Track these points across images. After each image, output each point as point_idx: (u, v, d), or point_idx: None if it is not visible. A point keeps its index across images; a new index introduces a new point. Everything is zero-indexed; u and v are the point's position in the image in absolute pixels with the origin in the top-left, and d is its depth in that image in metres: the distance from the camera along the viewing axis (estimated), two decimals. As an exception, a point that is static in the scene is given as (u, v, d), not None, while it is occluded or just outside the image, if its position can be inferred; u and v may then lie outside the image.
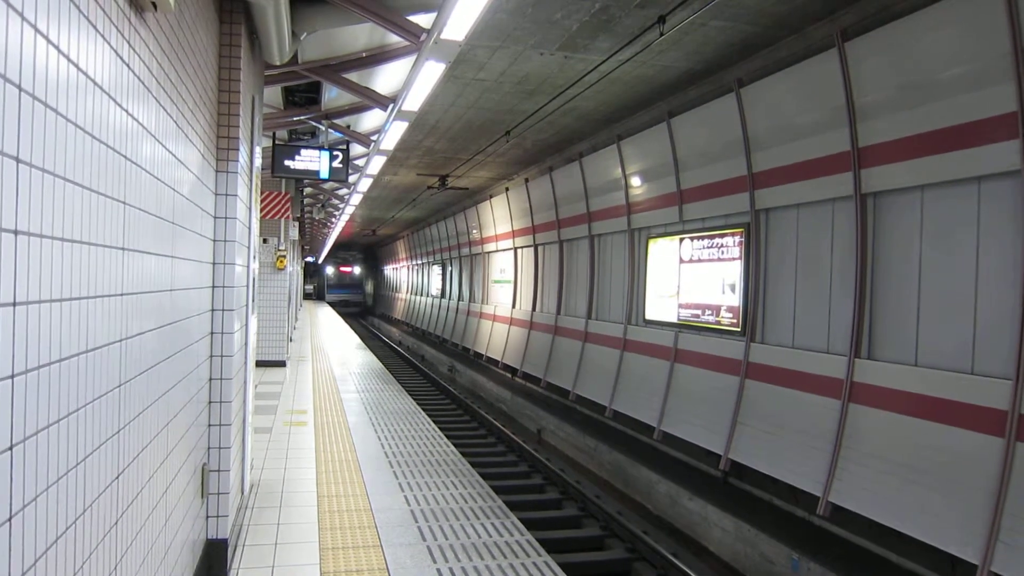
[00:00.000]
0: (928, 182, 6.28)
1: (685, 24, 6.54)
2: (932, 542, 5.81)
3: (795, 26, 7.19)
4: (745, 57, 8.12)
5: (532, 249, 16.96)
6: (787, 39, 7.50)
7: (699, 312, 9.89)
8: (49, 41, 1.52)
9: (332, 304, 49.40)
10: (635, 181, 11.63)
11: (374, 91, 7.63)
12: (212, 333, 3.98)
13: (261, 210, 8.43)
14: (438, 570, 4.18)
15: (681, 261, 10.36)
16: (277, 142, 9.25)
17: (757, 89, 8.20)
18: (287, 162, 8.61)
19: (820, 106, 7.35)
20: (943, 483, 5.87)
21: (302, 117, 8.76)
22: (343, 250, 57.33)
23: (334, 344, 18.31)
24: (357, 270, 56.94)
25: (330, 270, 55.97)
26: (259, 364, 11.84)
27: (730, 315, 9.18)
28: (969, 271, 5.92)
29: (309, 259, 47.85)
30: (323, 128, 8.97)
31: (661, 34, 6.60)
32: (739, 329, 8.93)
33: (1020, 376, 5.35)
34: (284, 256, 12.99)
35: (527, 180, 16.37)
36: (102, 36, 1.89)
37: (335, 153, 8.76)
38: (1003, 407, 5.46)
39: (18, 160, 1.37)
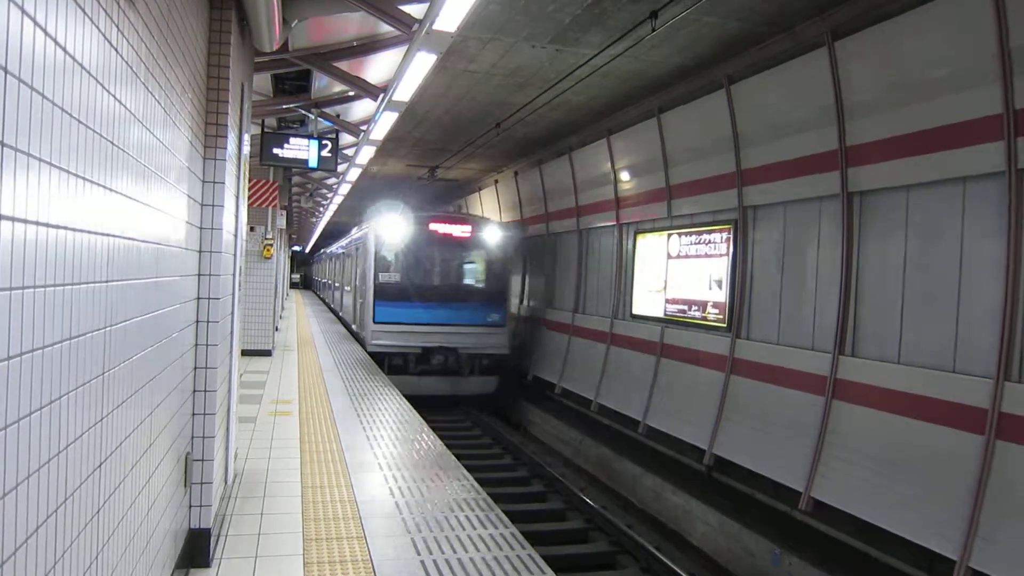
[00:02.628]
0: (914, 182, 6.33)
1: (677, 20, 6.54)
2: (911, 538, 5.88)
3: (786, 24, 7.21)
4: (735, 54, 8.13)
5: (521, 242, 16.59)
6: (777, 37, 7.52)
7: (686, 308, 9.93)
8: (36, 23, 1.50)
9: (401, 377, 13.10)
10: (624, 176, 11.65)
11: (365, 80, 7.58)
12: (197, 322, 3.95)
13: (249, 198, 8.37)
14: (422, 562, 4.18)
15: (669, 256, 10.39)
16: (266, 130, 9.18)
17: (747, 86, 8.22)
18: (276, 150, 8.56)
19: (809, 104, 7.38)
20: (923, 480, 5.94)
21: (291, 105, 8.70)
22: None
23: (320, 334, 18.24)
24: (495, 235, 14.98)
25: (393, 233, 14.65)
26: (244, 353, 11.76)
27: (716, 311, 9.23)
28: (952, 271, 5.98)
29: (296, 248, 45.72)
30: (312, 117, 8.90)
31: (653, 29, 6.60)
32: (725, 325, 8.98)
33: (1000, 375, 5.42)
34: (271, 245, 12.91)
35: (516, 173, 16.35)
36: (90, 19, 1.87)
37: (324, 142, 8.71)
38: (984, 405, 5.52)
39: (3, 144, 1.35)
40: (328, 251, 33.47)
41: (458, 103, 10.98)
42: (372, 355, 13.56)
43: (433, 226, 14.69)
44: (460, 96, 10.57)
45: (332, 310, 26.66)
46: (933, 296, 6.18)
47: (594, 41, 7.84)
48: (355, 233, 19.24)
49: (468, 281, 15.23)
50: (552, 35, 7.79)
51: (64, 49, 1.69)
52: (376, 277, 14.40)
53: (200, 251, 3.95)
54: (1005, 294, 5.45)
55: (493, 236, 14.84)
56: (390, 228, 14.60)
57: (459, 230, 14.82)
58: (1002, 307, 5.46)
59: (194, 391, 3.96)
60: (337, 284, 25.31)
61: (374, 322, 14.05)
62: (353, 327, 17.25)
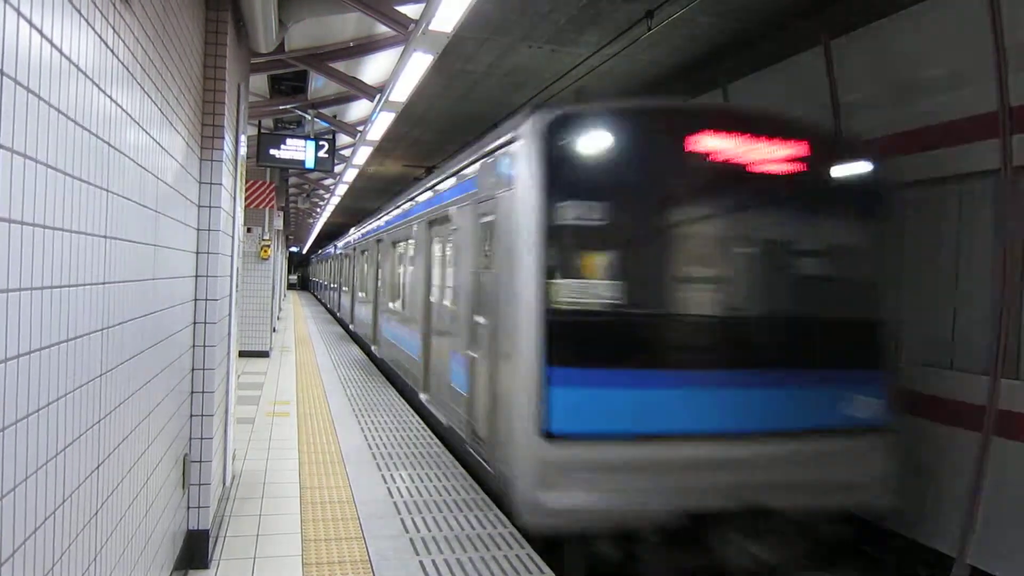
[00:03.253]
0: (910, 179, 6.33)
1: (673, 20, 6.55)
2: None
3: (782, 23, 7.22)
4: (732, 53, 8.15)
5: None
6: (774, 36, 7.53)
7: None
8: (32, 25, 1.50)
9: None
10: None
11: (361, 81, 7.59)
12: (195, 323, 3.95)
13: (246, 199, 8.38)
14: (420, 562, 4.19)
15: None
16: (263, 131, 9.19)
17: (744, 86, 8.23)
18: (272, 151, 8.56)
19: (805, 103, 7.39)
20: None
21: (288, 106, 8.70)
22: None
23: (317, 335, 18.24)
24: (864, 171, 5.17)
25: (595, 154, 4.69)
26: (242, 354, 11.77)
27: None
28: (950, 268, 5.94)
29: (293, 248, 45.41)
30: (309, 117, 8.91)
31: (649, 29, 6.61)
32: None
33: None
34: (268, 245, 12.91)
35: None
36: (86, 21, 1.87)
37: (321, 143, 8.71)
38: None
39: (-1, 146, 1.36)
40: (347, 242, 20.75)
41: (455, 103, 10.99)
42: (524, 530, 4.67)
43: (701, 141, 4.88)
44: (457, 96, 10.57)
45: (356, 339, 16.75)
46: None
47: (590, 41, 7.85)
48: (444, 174, 7.70)
49: (804, 304, 5.30)
50: (548, 35, 7.80)
51: (60, 51, 1.69)
52: (546, 295, 4.64)
53: (197, 252, 3.95)
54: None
55: (862, 174, 5.49)
56: (588, 142, 4.81)
57: (774, 153, 5.03)
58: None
59: (192, 392, 3.96)
60: (363, 298, 15.20)
61: (545, 436, 4.50)
62: (428, 408, 7.91)
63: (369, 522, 4.79)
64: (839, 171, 5.43)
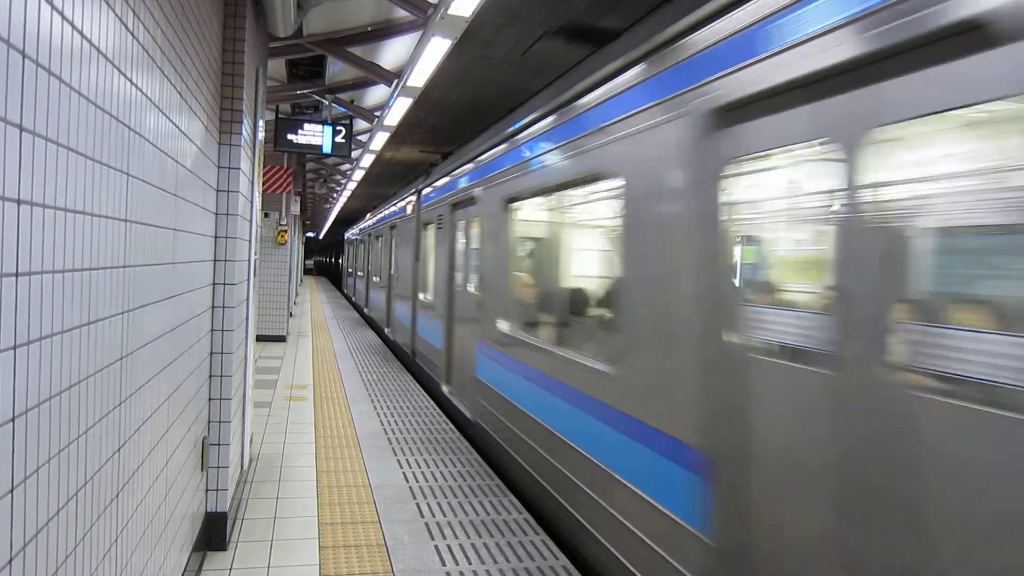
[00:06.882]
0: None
1: (695, 5, 6.46)
2: None
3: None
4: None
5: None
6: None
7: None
8: (53, 7, 1.49)
9: None
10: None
11: (379, 66, 7.57)
12: (213, 307, 3.97)
13: (263, 184, 8.40)
14: (436, 547, 4.21)
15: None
16: (280, 116, 9.19)
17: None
18: (290, 136, 8.57)
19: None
20: None
21: (306, 91, 8.70)
22: None
23: (333, 320, 18.33)
24: None
25: None
26: (259, 339, 11.85)
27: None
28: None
29: (310, 234, 45.44)
30: (327, 102, 8.90)
31: (670, 14, 6.52)
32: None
33: None
34: (285, 231, 12.96)
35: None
36: (107, 3, 1.86)
37: (338, 128, 8.71)
38: None
39: (21, 128, 1.35)
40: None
41: (473, 89, 10.93)
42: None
43: None
44: (475, 82, 10.52)
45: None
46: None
47: (610, 27, 7.77)
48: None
49: None
50: (567, 20, 7.73)
51: (81, 33, 1.68)
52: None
53: (215, 236, 3.96)
54: None
55: None
56: None
57: None
58: None
59: (210, 376, 3.98)
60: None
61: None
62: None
63: (385, 506, 4.81)
64: None
